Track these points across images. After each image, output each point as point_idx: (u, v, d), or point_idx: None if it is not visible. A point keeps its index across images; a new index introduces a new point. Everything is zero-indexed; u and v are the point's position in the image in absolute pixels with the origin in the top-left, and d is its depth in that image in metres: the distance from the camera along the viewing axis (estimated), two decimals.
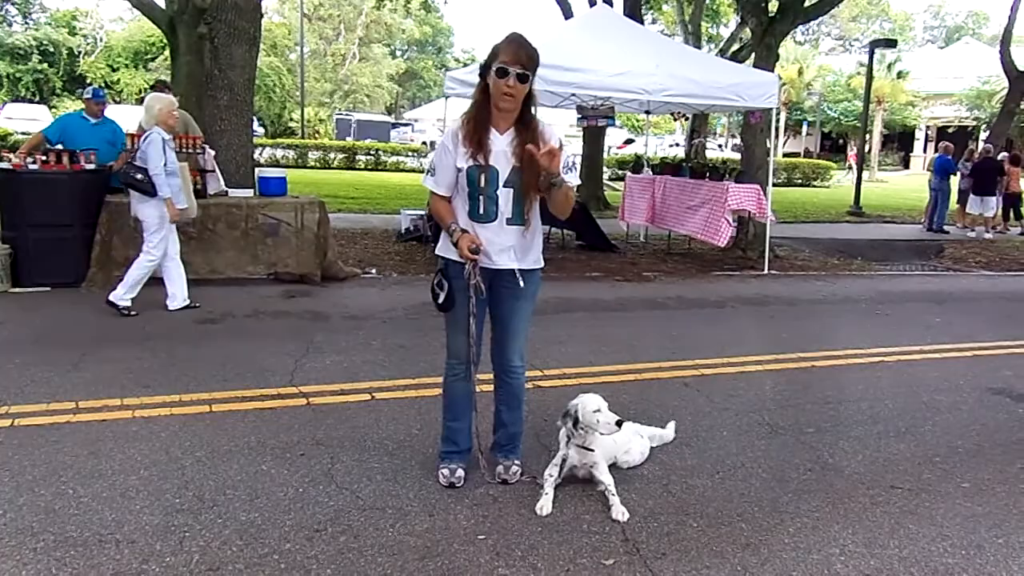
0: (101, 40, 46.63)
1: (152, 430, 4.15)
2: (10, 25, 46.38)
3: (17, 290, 7.18)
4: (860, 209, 19.35)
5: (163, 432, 4.13)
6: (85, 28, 46.97)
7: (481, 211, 3.41)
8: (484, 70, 3.35)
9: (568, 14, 16.94)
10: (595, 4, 11.58)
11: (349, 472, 3.74)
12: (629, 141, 38.95)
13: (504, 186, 3.38)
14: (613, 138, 32.78)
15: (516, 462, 3.77)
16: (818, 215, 19.27)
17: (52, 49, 44.79)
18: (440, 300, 3.46)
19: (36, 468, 3.64)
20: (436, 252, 3.56)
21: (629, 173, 13.90)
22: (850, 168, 38.58)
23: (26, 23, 47.44)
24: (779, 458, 4.17)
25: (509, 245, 3.46)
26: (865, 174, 22.07)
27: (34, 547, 2.97)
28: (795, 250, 12.66)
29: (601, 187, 18.54)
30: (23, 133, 21.73)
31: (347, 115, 41.94)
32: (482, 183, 3.37)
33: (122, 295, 6.57)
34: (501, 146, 3.37)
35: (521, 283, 3.46)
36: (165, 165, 6.41)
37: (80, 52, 45.69)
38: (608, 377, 5.42)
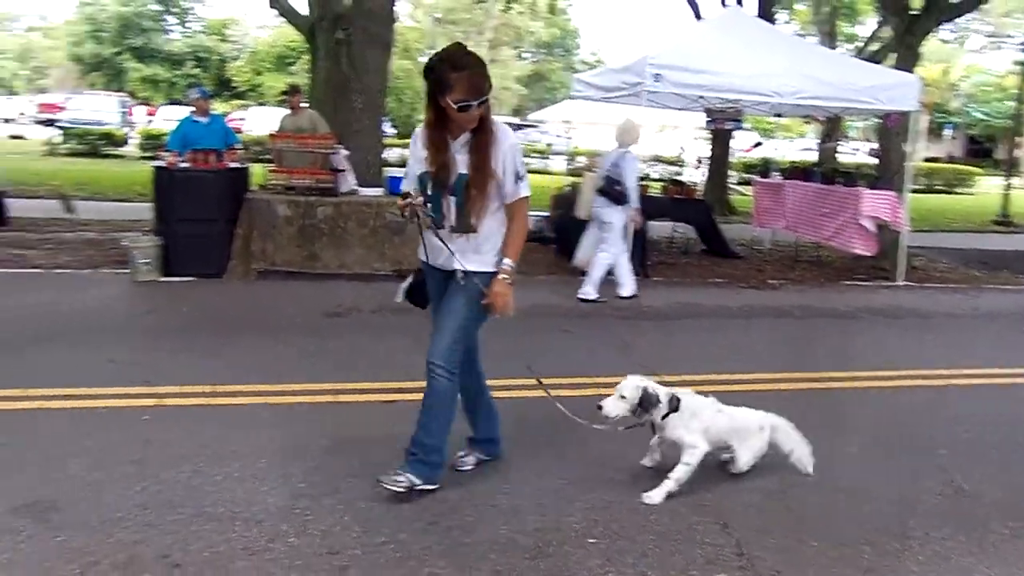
0: (248, 46, 49.24)
1: (282, 417, 4.37)
2: (168, 33, 49.68)
3: (165, 279, 7.69)
4: (1008, 218, 18.10)
5: (292, 419, 4.34)
6: (235, 35, 49.76)
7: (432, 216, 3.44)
8: (435, 91, 3.25)
9: (699, 15, 16.65)
10: (726, 5, 11.32)
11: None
12: (757, 144, 37.79)
13: (450, 194, 3.39)
14: (741, 141, 31.91)
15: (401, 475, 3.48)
16: (960, 224, 18.17)
17: (205, 55, 47.72)
18: (405, 293, 3.64)
19: (179, 445, 3.90)
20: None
21: (756, 177, 13.53)
22: None
23: (183, 31, 50.69)
24: (908, 480, 3.98)
25: (453, 250, 3.42)
26: (1016, 180, 20.61)
27: (174, 519, 3.19)
28: (933, 260, 11.98)
29: (726, 191, 18.12)
30: None
31: None
32: (429, 190, 3.40)
33: (590, 291, 7.81)
34: (453, 152, 3.37)
35: (460, 280, 3.43)
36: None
37: (229, 58, 48.44)
38: (728, 386, 5.31)
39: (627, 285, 8.02)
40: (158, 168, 8.00)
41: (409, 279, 3.66)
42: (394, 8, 10.04)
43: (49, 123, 29.54)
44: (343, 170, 8.41)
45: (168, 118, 30.22)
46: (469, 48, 3.30)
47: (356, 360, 5.51)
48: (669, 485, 3.57)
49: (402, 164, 15.88)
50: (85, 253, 8.80)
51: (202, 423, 4.23)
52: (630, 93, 9.24)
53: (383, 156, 10.74)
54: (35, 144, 23.97)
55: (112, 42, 46.61)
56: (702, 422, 3.66)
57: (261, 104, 39.75)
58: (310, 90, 10.52)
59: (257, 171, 8.93)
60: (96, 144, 23.29)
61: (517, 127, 41.95)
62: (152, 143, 22.98)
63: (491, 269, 3.43)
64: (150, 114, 34.74)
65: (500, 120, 3.40)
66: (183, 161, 7.93)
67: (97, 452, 3.80)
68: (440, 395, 3.49)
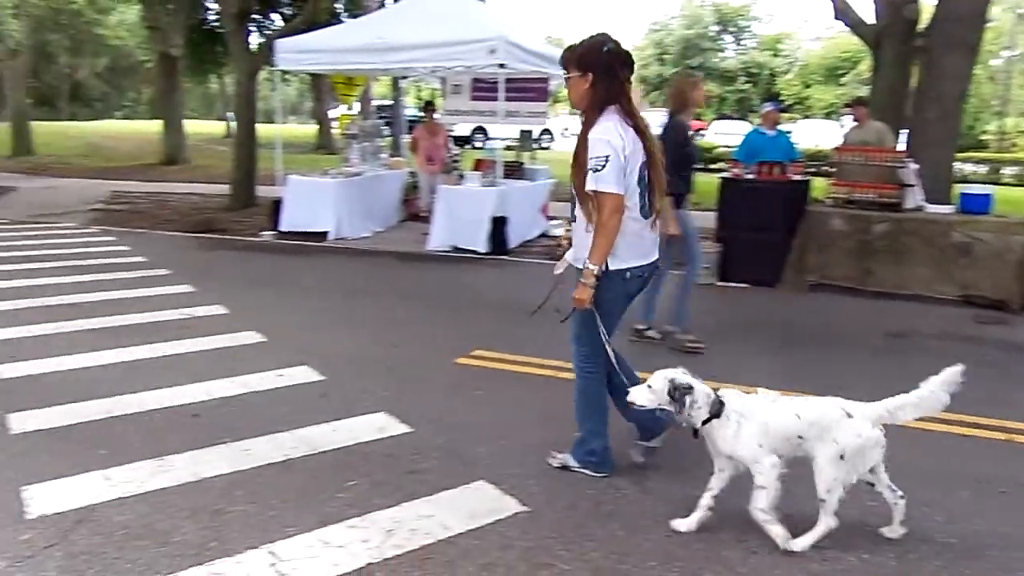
0: (799, 60, 49.31)
1: None
2: (723, 51, 52.21)
3: (722, 283, 8.12)
4: None
5: None
6: (786, 49, 50.26)
7: None
8: None
9: None
10: None
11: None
12: None
13: None
14: None
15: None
16: None
17: (756, 70, 49.10)
18: None
19: None
20: None
21: None
22: None
23: (737, 48, 52.83)
24: None
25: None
26: None
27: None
28: None
29: None
30: (726, 147, 24.41)
31: None
32: None
33: None
34: None
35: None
36: None
37: (779, 72, 49.10)
38: None
39: None
40: (724, 179, 8.48)
41: None
42: (985, 9, 9.08)
43: None
44: (911, 185, 7.92)
45: (718, 132, 31.88)
46: None
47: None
48: (760, 518, 3.03)
49: (960, 180, 14.18)
50: None
51: None
52: None
53: (952, 171, 9.84)
54: None
55: (673, 63, 50.60)
56: (756, 426, 3.02)
57: (806, 117, 39.44)
58: (871, 101, 10.10)
59: (817, 184, 8.89)
60: None
61: None
62: (704, 156, 24.44)
63: (583, 267, 3.43)
64: (696, 128, 36.84)
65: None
66: (748, 172, 8.28)
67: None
68: (576, 390, 3.72)
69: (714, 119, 41.53)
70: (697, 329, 5.90)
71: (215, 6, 22.19)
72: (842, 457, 2.96)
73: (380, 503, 3.32)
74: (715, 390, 3.15)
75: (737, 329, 6.58)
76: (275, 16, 24.71)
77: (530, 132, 13.05)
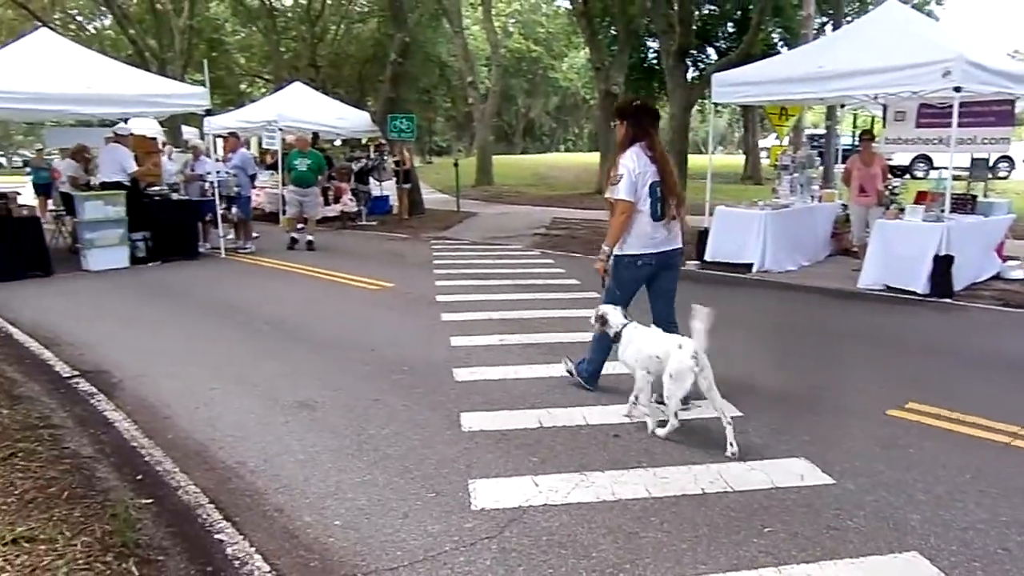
0: None
1: None
2: None
3: None
4: None
5: None
6: None
7: None
8: None
9: None
10: None
11: None
12: None
13: None
14: None
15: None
16: None
17: None
18: None
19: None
20: None
21: None
22: None
23: None
24: None
25: None
26: None
27: None
28: None
29: None
30: None
31: None
32: None
33: None
34: None
35: None
36: None
37: None
38: None
39: None
40: None
41: None
42: None
43: None
44: None
45: None
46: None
47: None
48: (640, 411, 4.66)
49: None
50: None
51: None
52: None
53: None
54: None
55: None
56: (634, 346, 4.60)
57: None
58: None
59: None
60: None
61: None
62: None
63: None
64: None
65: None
66: None
67: None
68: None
69: None
70: None
71: (655, 44, 23.29)
72: (671, 376, 4.27)
73: (798, 556, 3.15)
74: (626, 324, 4.71)
75: None
76: (710, 50, 25.16)
77: (985, 160, 11.51)
